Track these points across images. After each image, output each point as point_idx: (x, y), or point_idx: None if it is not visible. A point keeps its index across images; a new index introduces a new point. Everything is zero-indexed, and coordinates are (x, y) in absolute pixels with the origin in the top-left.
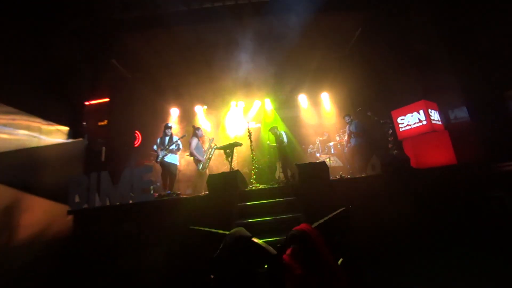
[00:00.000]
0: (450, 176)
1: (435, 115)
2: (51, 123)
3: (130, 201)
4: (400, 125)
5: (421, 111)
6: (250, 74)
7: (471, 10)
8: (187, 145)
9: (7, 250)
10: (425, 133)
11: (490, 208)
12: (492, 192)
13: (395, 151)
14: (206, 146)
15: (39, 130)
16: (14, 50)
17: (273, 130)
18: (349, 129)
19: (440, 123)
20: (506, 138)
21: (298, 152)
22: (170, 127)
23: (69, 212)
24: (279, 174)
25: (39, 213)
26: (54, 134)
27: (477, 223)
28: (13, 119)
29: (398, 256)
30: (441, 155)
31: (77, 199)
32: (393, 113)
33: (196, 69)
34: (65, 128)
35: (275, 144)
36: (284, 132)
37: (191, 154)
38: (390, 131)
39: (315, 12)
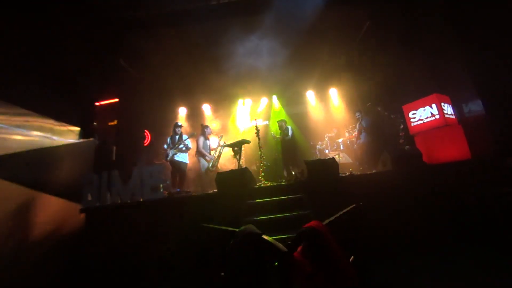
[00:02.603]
0: (463, 171)
1: (448, 109)
2: (63, 123)
3: (141, 199)
4: (411, 120)
5: (433, 105)
6: (257, 71)
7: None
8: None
9: (22, 247)
10: (438, 127)
11: (505, 204)
12: (507, 187)
13: (407, 146)
14: (215, 144)
15: (51, 131)
16: (25, 53)
17: (280, 122)
18: (360, 125)
19: (453, 117)
20: None
21: (307, 148)
22: (180, 126)
23: (81, 210)
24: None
25: (52, 212)
26: (66, 135)
27: (492, 219)
28: (26, 121)
29: (410, 253)
30: (455, 150)
31: (89, 198)
32: (404, 107)
33: (203, 67)
34: (76, 129)
35: (278, 136)
36: (291, 127)
37: (199, 153)
38: (401, 126)
39: (322, 6)
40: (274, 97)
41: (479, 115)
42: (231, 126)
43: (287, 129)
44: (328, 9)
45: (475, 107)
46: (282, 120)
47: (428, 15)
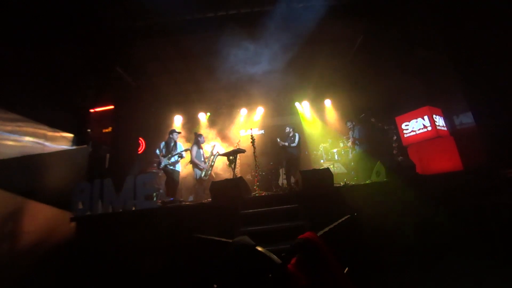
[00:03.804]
0: (456, 182)
1: (440, 121)
2: (56, 130)
3: (133, 208)
4: (404, 131)
5: (425, 117)
6: (252, 81)
7: (475, 13)
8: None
9: (10, 256)
10: (430, 139)
11: (499, 215)
12: (500, 198)
13: (400, 157)
14: (208, 153)
15: (44, 137)
16: (20, 58)
17: (288, 128)
18: (352, 136)
19: (445, 128)
20: None
21: (303, 159)
22: (179, 133)
23: (72, 219)
24: (282, 180)
25: (42, 220)
26: (59, 141)
27: (486, 230)
28: (19, 126)
29: (404, 264)
30: (447, 161)
31: (80, 206)
32: (397, 119)
33: (200, 76)
34: (70, 135)
35: (285, 143)
36: (298, 134)
37: (192, 163)
38: (395, 137)
39: (317, 20)
40: (270, 107)
41: (469, 127)
42: (227, 135)
43: (294, 135)
44: (322, 23)
45: (466, 119)
46: (290, 126)
47: (420, 30)
